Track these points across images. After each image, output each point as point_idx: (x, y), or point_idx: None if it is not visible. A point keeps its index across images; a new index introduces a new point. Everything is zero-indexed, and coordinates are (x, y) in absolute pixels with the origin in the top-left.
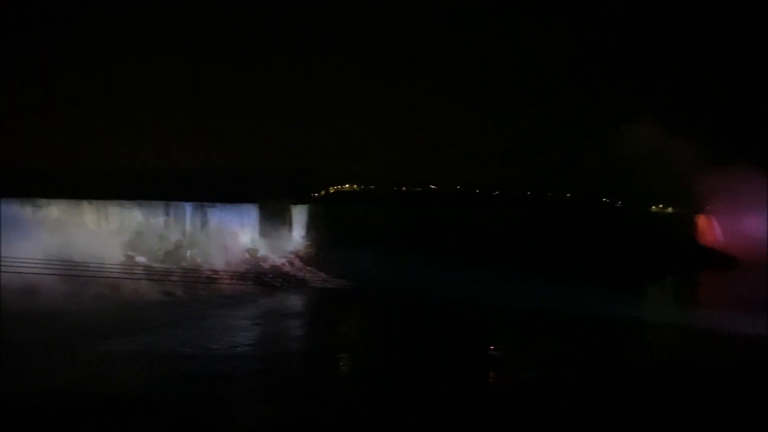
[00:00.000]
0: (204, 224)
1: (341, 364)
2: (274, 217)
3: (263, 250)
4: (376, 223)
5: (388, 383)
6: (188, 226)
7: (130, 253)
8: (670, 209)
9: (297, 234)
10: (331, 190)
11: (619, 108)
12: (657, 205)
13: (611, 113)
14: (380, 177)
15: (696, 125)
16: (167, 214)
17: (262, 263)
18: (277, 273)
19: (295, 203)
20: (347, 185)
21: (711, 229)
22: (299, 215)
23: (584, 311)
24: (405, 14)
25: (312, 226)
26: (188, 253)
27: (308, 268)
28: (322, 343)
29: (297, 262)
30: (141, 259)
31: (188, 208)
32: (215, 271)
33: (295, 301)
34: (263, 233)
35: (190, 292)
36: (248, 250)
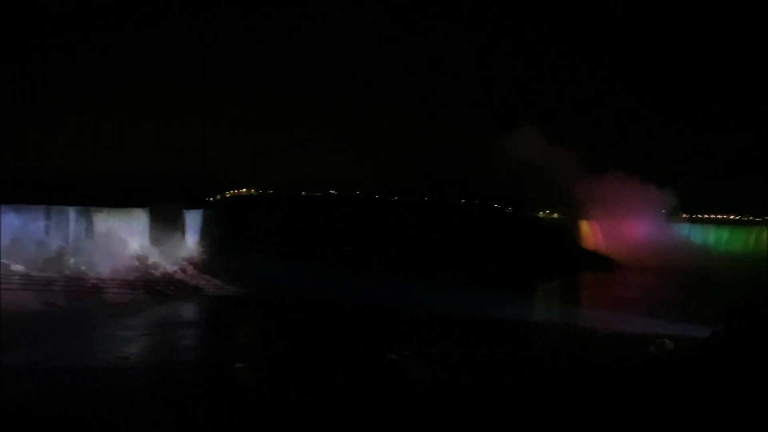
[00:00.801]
0: (89, 230)
1: (235, 374)
2: (165, 222)
3: (154, 257)
4: (274, 228)
5: (283, 392)
6: (71, 232)
7: (5, 261)
8: (555, 215)
9: (190, 240)
10: (227, 195)
11: (506, 116)
12: (544, 211)
13: (499, 121)
14: (279, 182)
15: (576, 134)
16: (48, 219)
17: (152, 271)
18: (169, 281)
19: (189, 208)
20: (244, 189)
21: (593, 233)
22: (193, 221)
23: (478, 313)
24: (300, 15)
25: (207, 232)
26: (71, 260)
27: (202, 275)
28: (215, 353)
29: (190, 269)
30: (18, 267)
31: (71, 212)
32: (101, 280)
33: (187, 310)
34: (154, 239)
35: (74, 302)
36: (137, 257)
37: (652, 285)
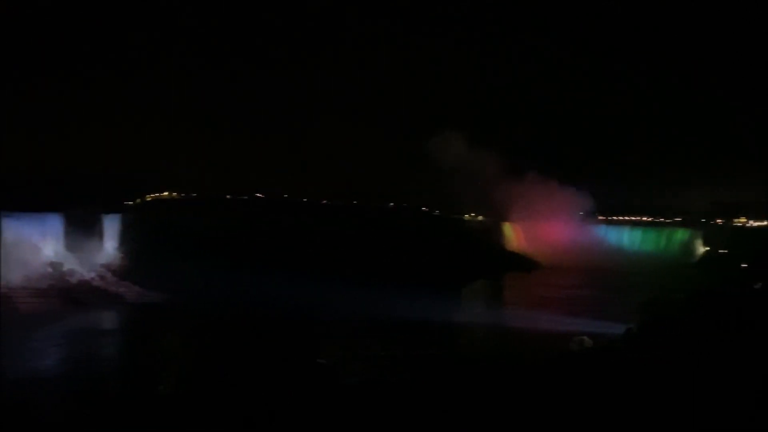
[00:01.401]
0: None
1: (155, 385)
2: (82, 227)
3: (70, 263)
4: (198, 232)
5: (208, 402)
6: None
7: None
8: (480, 217)
9: (109, 246)
10: (148, 198)
11: (429, 120)
12: (469, 214)
13: (423, 125)
14: (203, 185)
15: (496, 138)
16: None
17: (68, 278)
18: (86, 288)
19: (107, 212)
20: (166, 193)
21: (515, 235)
22: (111, 225)
23: (406, 315)
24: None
25: (126, 236)
26: None
27: (123, 282)
28: (135, 363)
29: (109, 276)
30: None
31: None
32: (12, 289)
33: (106, 319)
34: (69, 245)
35: None
36: (51, 264)
37: (572, 285)
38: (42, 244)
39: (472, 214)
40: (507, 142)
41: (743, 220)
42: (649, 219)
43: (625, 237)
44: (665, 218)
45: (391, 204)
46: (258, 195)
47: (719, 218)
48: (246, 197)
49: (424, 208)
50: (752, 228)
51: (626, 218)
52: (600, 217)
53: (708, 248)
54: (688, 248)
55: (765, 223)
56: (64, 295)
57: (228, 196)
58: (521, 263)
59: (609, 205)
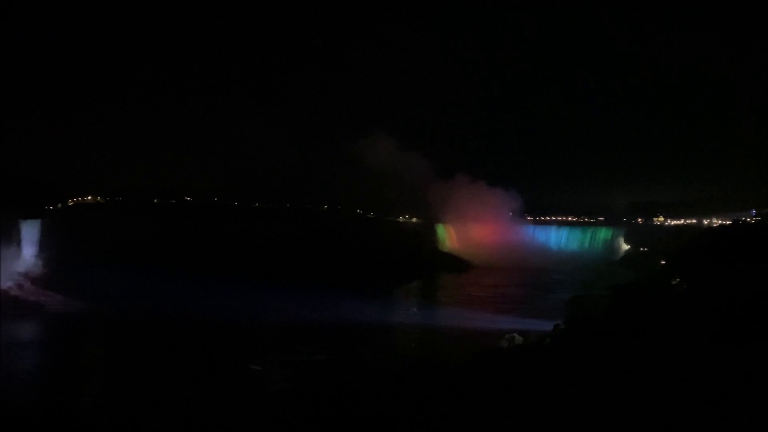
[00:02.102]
0: None
1: (79, 397)
2: None
3: None
4: (124, 238)
5: (136, 412)
6: None
7: None
8: (414, 219)
9: (28, 253)
10: (71, 203)
11: (359, 122)
12: (403, 216)
13: (353, 127)
14: (129, 188)
15: (427, 140)
16: None
17: None
18: (2, 299)
19: (25, 218)
20: (89, 197)
21: (448, 236)
22: (30, 232)
23: (341, 319)
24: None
25: (47, 243)
26: None
27: (43, 291)
28: (55, 375)
29: (28, 285)
30: None
31: None
32: None
33: (25, 330)
34: None
35: None
36: None
37: (503, 284)
38: None
39: (406, 216)
40: (436, 143)
41: (661, 219)
42: (575, 219)
43: (552, 236)
44: (589, 218)
45: (326, 206)
46: (186, 198)
47: (639, 218)
48: (174, 201)
49: (359, 211)
50: (670, 227)
51: (553, 218)
52: (528, 218)
53: (630, 246)
54: (611, 246)
55: (682, 221)
56: None
57: (155, 200)
58: (454, 264)
59: (536, 205)
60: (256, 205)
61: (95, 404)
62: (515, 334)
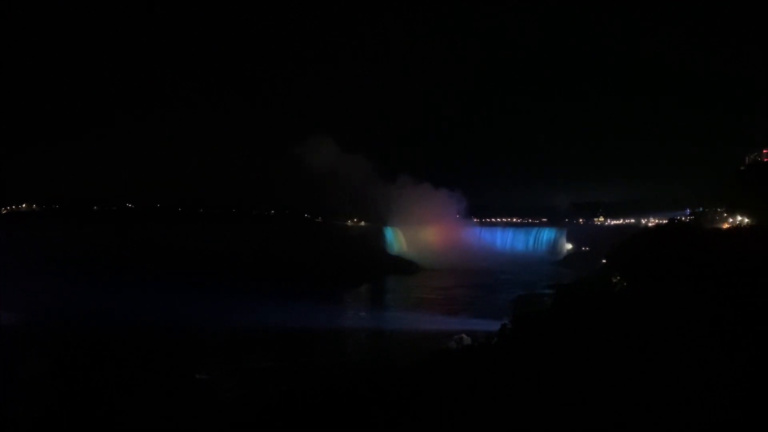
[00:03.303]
0: None
1: (16, 414)
2: None
3: None
4: (62, 246)
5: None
6: None
7: None
8: (362, 223)
9: None
10: (3, 211)
11: (299, 124)
12: (352, 219)
13: (294, 131)
14: (67, 194)
15: (369, 142)
16: None
17: None
18: None
19: None
20: (24, 205)
21: (396, 239)
22: None
23: (289, 325)
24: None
25: None
26: None
27: None
28: None
29: None
30: None
31: None
32: None
33: None
34: None
35: None
36: None
37: (450, 285)
38: None
39: (354, 220)
40: (378, 145)
41: (602, 219)
42: (519, 220)
43: (498, 237)
44: (532, 219)
45: (273, 211)
46: (128, 205)
47: (581, 218)
48: (115, 208)
49: (306, 215)
50: (610, 226)
51: (498, 219)
52: (475, 219)
53: (572, 246)
54: (554, 247)
55: (621, 221)
56: None
57: (95, 207)
58: (402, 266)
59: (482, 207)
60: (201, 210)
61: (35, 419)
62: (463, 335)
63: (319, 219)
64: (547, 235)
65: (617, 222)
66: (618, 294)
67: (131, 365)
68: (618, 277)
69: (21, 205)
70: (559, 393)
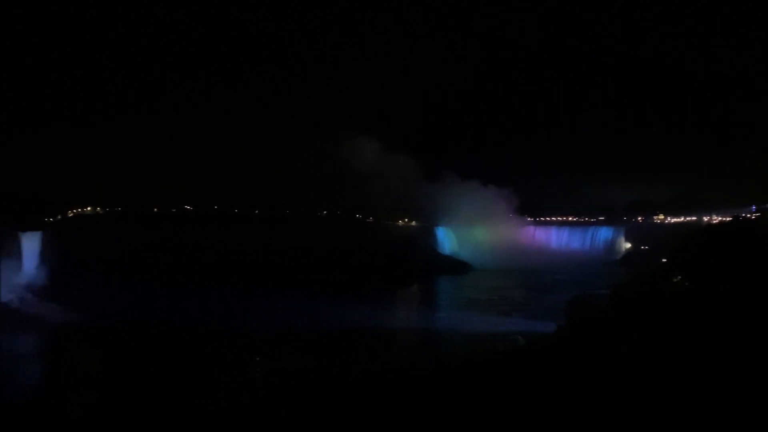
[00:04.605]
0: None
1: (79, 406)
2: None
3: None
4: (124, 248)
5: (138, 419)
6: None
7: None
8: (413, 222)
9: (29, 265)
10: (70, 214)
11: (345, 126)
12: (402, 220)
13: (336, 132)
14: (128, 198)
15: (414, 142)
16: None
17: None
18: (3, 311)
19: (25, 230)
20: (89, 207)
21: (448, 238)
22: (30, 243)
23: (340, 325)
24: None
25: (47, 255)
26: None
27: (44, 303)
28: (55, 386)
29: (29, 297)
30: None
31: None
32: None
33: (24, 343)
34: None
35: None
36: None
37: (503, 285)
38: None
39: (405, 220)
40: (422, 143)
41: (661, 217)
42: (575, 219)
43: (552, 237)
44: (589, 217)
45: (325, 212)
46: (186, 207)
47: (638, 216)
48: (174, 210)
49: (358, 215)
50: (670, 224)
51: (553, 218)
52: (528, 218)
53: (630, 245)
54: (611, 246)
55: (681, 219)
56: None
57: (155, 209)
58: (453, 266)
59: (534, 205)
60: (256, 212)
61: (95, 412)
62: (518, 336)
63: (370, 219)
64: (604, 233)
65: (677, 220)
66: (679, 294)
67: (182, 362)
68: (679, 277)
69: (86, 208)
70: (611, 398)
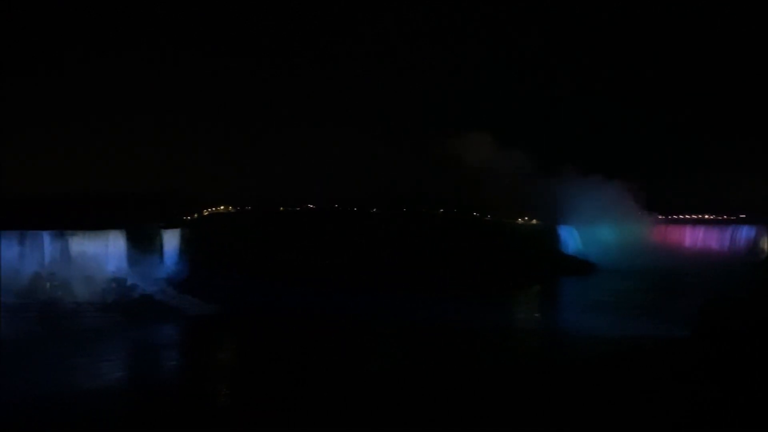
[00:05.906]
0: (64, 254)
1: (214, 397)
2: (142, 243)
3: (132, 278)
4: (254, 244)
5: (267, 415)
6: (46, 257)
7: None
8: (534, 221)
9: (169, 260)
10: (205, 213)
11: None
12: (522, 218)
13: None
14: (256, 197)
15: (533, 137)
16: (22, 244)
17: (130, 293)
18: (147, 302)
19: (166, 228)
20: (222, 207)
21: (571, 238)
22: (171, 240)
23: (459, 323)
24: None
25: (185, 250)
26: (47, 285)
27: (182, 295)
28: (196, 374)
29: (170, 290)
30: None
31: (46, 237)
32: (78, 304)
33: (167, 332)
34: (131, 261)
35: (50, 328)
36: (115, 280)
37: (632, 288)
38: (106, 261)
39: (525, 218)
40: (536, 136)
41: None
42: (711, 217)
43: (686, 236)
44: (728, 215)
45: (441, 210)
46: (309, 206)
47: None
48: (298, 208)
49: (475, 214)
50: None
51: (687, 216)
52: (659, 216)
53: None
54: (754, 246)
55: None
56: (127, 309)
57: (281, 208)
58: (577, 266)
59: (665, 201)
60: (374, 210)
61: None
62: (645, 341)
63: (488, 217)
64: (745, 233)
65: None
66: None
67: (308, 354)
68: None
69: (219, 207)
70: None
